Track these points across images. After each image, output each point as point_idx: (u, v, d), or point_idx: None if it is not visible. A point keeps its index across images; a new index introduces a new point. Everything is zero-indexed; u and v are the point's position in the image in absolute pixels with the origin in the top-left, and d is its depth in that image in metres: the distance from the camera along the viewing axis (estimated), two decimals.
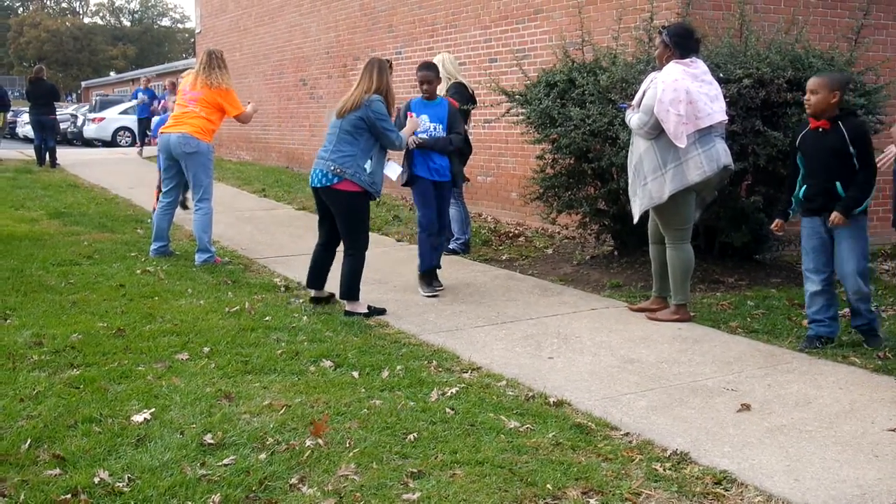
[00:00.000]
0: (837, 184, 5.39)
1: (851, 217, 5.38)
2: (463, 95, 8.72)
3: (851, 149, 5.35)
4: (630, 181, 6.33)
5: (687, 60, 6.04)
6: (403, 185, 7.23)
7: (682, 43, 6.05)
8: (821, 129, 5.47)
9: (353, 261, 6.38)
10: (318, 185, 6.33)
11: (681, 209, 6.14)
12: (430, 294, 7.07)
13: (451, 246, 8.98)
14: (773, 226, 5.89)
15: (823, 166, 5.46)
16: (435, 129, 7.20)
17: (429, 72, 7.35)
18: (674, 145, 5.95)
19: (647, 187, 6.11)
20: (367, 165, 6.28)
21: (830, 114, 5.42)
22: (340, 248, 6.53)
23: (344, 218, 6.36)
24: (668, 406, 4.59)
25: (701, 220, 6.52)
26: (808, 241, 5.63)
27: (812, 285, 5.64)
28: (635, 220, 6.35)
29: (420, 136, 7.08)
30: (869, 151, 5.40)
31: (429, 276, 7.20)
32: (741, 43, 7.49)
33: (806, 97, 5.51)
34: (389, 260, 8.63)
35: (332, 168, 6.22)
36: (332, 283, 6.55)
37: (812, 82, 5.47)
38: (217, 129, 8.42)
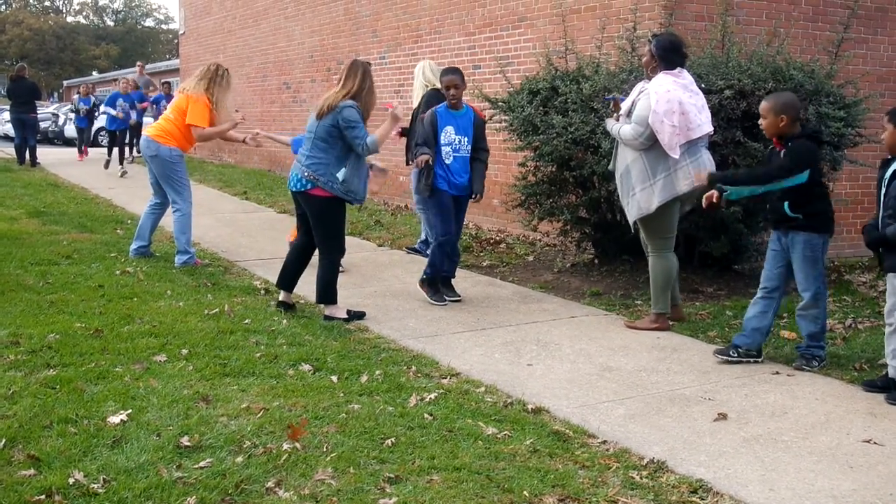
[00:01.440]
0: (786, 204, 5.35)
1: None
2: (439, 102, 8.74)
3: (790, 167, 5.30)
4: (619, 190, 6.34)
5: (675, 71, 6.07)
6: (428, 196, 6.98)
7: (668, 56, 6.08)
8: (774, 148, 5.51)
9: (327, 265, 6.33)
10: (293, 189, 6.31)
11: (666, 219, 6.17)
12: (439, 302, 6.93)
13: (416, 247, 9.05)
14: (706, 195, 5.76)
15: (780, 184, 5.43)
16: (460, 142, 6.92)
17: (455, 76, 7.02)
18: (664, 156, 5.98)
19: (635, 198, 6.12)
20: (341, 174, 6.14)
21: (787, 135, 5.37)
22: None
23: (317, 223, 6.31)
24: (645, 414, 4.60)
25: (680, 230, 6.54)
26: (769, 248, 5.66)
27: (758, 292, 5.63)
28: (631, 223, 6.35)
29: (443, 147, 6.87)
30: (794, 157, 5.28)
31: (434, 283, 7.04)
32: (723, 54, 7.53)
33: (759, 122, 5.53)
34: (371, 265, 8.62)
35: (306, 174, 6.17)
36: (308, 288, 6.52)
37: (761, 107, 5.47)
38: (186, 134, 8.15)
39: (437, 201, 6.96)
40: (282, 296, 6.58)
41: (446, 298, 7.00)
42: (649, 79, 6.21)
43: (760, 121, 5.48)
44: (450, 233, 7.02)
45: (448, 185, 6.95)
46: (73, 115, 22.16)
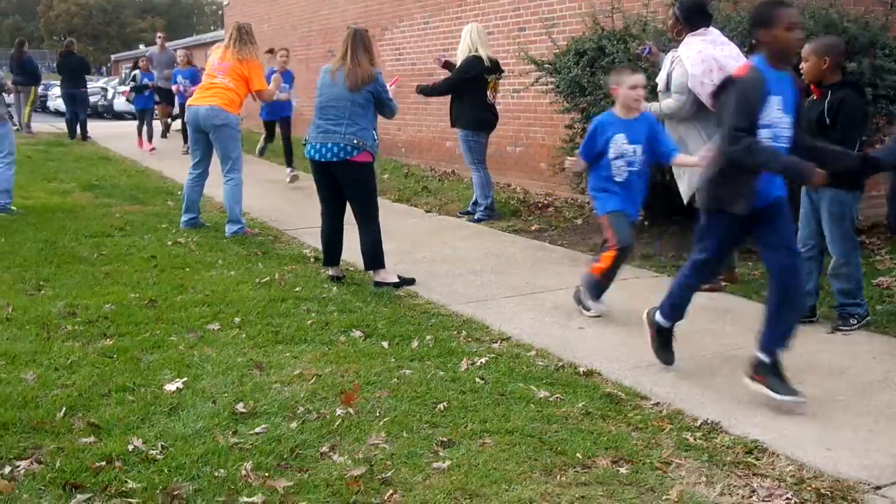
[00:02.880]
0: None
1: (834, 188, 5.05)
2: (472, 67, 8.90)
3: (827, 120, 5.13)
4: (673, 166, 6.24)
5: (700, 30, 5.97)
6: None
7: (692, 18, 6.00)
8: (814, 98, 5.31)
9: (371, 230, 6.36)
10: (334, 160, 6.21)
11: None
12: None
13: (476, 216, 9.05)
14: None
15: (806, 134, 5.28)
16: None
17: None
18: (714, 116, 5.87)
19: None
20: (374, 135, 6.36)
21: (827, 81, 5.21)
22: (350, 222, 6.52)
23: (359, 189, 6.34)
24: (698, 376, 4.57)
25: None
26: (801, 207, 5.51)
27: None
28: (685, 200, 6.27)
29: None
30: (847, 125, 5.09)
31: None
32: None
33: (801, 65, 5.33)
34: (419, 230, 8.62)
35: (354, 141, 6.17)
36: (353, 256, 6.53)
37: (803, 50, 5.26)
38: (243, 101, 8.41)
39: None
40: (331, 271, 6.61)
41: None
42: (677, 45, 6.11)
43: (802, 64, 5.30)
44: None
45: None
46: (130, 94, 17.64)
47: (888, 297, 5.88)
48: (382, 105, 6.40)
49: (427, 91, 9.40)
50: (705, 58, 5.83)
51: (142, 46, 61.26)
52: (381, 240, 6.40)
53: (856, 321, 5.33)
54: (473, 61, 8.91)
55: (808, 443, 3.74)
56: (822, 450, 3.67)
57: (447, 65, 9.34)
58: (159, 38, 18.15)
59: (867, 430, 3.87)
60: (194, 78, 14.33)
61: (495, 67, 9.02)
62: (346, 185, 6.34)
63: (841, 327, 5.33)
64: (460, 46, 9.09)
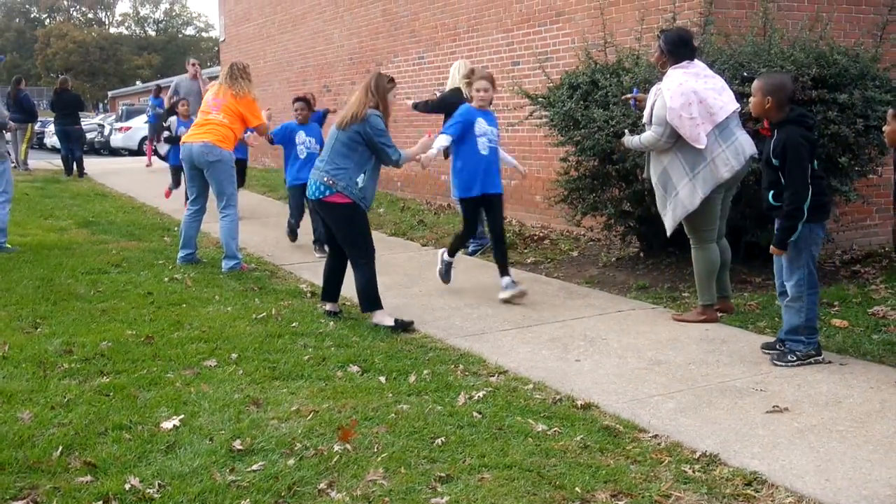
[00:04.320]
0: (770, 193, 5.17)
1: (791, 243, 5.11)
2: (450, 97, 9.13)
3: (773, 160, 5.11)
4: (658, 197, 6.27)
5: (684, 63, 6.03)
6: None
7: (676, 51, 6.05)
8: (765, 135, 5.32)
9: (363, 271, 6.24)
10: (312, 198, 6.30)
11: (708, 211, 6.10)
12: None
13: (470, 248, 9.07)
14: None
15: (763, 173, 5.30)
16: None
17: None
18: (697, 149, 5.92)
19: (678, 197, 6.05)
20: (360, 180, 6.16)
21: (773, 118, 5.18)
22: None
23: (341, 230, 6.26)
24: (696, 407, 4.56)
25: (727, 220, 6.47)
26: None
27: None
28: (669, 232, 6.29)
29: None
30: (791, 166, 5.02)
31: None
32: (765, 41, 7.44)
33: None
34: (415, 264, 8.64)
35: (325, 179, 6.13)
36: (352, 291, 6.53)
37: (752, 84, 5.27)
38: (238, 138, 8.45)
39: None
40: (328, 306, 6.58)
41: None
42: (661, 77, 6.17)
43: (750, 98, 5.32)
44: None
45: None
46: (160, 142, 14.28)
47: (884, 327, 5.89)
48: (376, 150, 6.19)
49: (418, 106, 9.73)
50: (685, 91, 5.88)
51: (138, 83, 61.68)
52: (375, 281, 6.28)
53: (794, 358, 5.18)
54: (451, 93, 9.13)
55: (807, 473, 3.73)
56: (821, 480, 3.67)
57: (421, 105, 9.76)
58: (193, 65, 15.54)
59: (865, 460, 3.86)
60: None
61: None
62: (330, 224, 6.33)
63: (776, 361, 5.22)
64: (448, 82, 9.34)
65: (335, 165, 6.16)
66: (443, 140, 6.95)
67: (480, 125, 7.00)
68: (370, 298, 6.26)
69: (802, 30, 7.65)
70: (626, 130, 6.61)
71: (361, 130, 6.11)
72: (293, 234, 9.70)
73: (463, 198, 7.15)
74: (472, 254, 9.08)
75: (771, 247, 5.23)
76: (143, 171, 18.62)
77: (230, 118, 8.20)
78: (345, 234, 6.28)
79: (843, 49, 7.29)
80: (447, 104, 8.97)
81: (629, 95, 6.72)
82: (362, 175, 6.18)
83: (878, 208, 8.97)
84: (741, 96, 6.59)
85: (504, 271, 7.04)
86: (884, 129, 4.91)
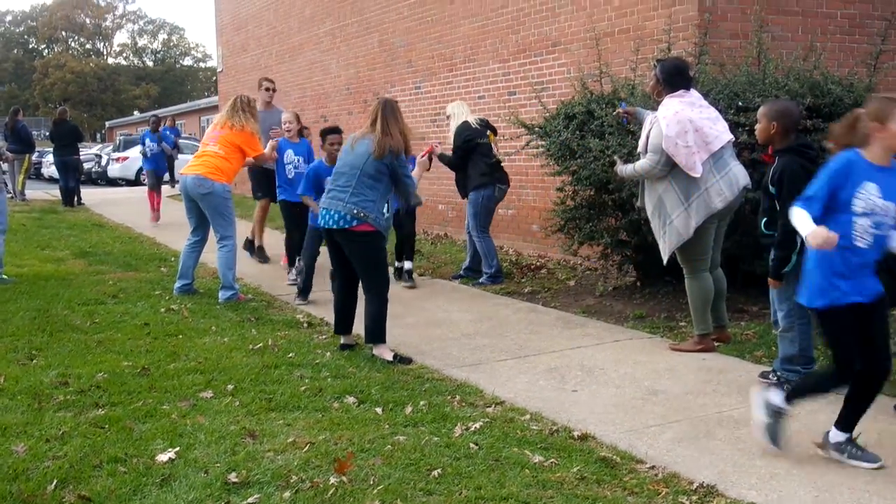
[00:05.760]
0: (763, 221, 5.20)
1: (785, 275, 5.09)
2: (465, 130, 9.15)
3: (770, 188, 5.11)
4: (653, 225, 6.29)
5: (680, 92, 6.06)
6: None
7: (672, 80, 6.09)
8: (767, 161, 5.33)
9: (376, 302, 6.20)
10: (335, 227, 6.14)
11: (702, 240, 6.12)
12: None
13: (481, 279, 9.07)
14: None
15: (761, 199, 5.31)
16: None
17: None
18: (692, 178, 5.94)
19: (672, 226, 6.06)
20: (385, 210, 6.21)
21: (777, 145, 5.18)
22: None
23: (359, 259, 6.21)
24: (693, 438, 4.55)
25: (723, 250, 6.48)
26: None
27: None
28: (665, 261, 6.30)
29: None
30: (787, 195, 4.83)
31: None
32: (759, 71, 7.49)
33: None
34: (412, 294, 8.63)
35: (354, 211, 6.04)
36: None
37: (758, 111, 5.30)
38: (238, 170, 8.46)
39: None
40: (343, 339, 6.50)
41: None
42: (657, 106, 6.21)
43: (756, 125, 5.34)
44: None
45: None
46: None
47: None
48: (398, 181, 6.19)
49: (446, 162, 9.42)
50: (681, 119, 5.92)
51: (136, 113, 61.87)
52: (386, 314, 6.25)
53: (790, 388, 5.17)
54: (463, 126, 9.08)
55: None
56: None
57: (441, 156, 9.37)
58: (266, 89, 11.02)
59: (863, 490, 3.85)
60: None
61: (486, 126, 9.19)
62: (349, 254, 6.24)
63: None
64: (450, 125, 9.31)
65: (364, 197, 6.08)
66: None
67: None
68: (378, 330, 6.21)
69: (797, 60, 7.70)
70: (616, 158, 6.62)
71: (388, 162, 6.10)
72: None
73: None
74: (455, 278, 9.30)
75: (768, 279, 5.23)
76: (141, 202, 18.59)
77: (227, 150, 8.23)
78: (367, 263, 6.22)
79: (837, 79, 7.33)
80: (469, 142, 9.06)
81: (619, 110, 6.77)
82: (385, 205, 6.24)
83: None
84: (736, 126, 6.65)
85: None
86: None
